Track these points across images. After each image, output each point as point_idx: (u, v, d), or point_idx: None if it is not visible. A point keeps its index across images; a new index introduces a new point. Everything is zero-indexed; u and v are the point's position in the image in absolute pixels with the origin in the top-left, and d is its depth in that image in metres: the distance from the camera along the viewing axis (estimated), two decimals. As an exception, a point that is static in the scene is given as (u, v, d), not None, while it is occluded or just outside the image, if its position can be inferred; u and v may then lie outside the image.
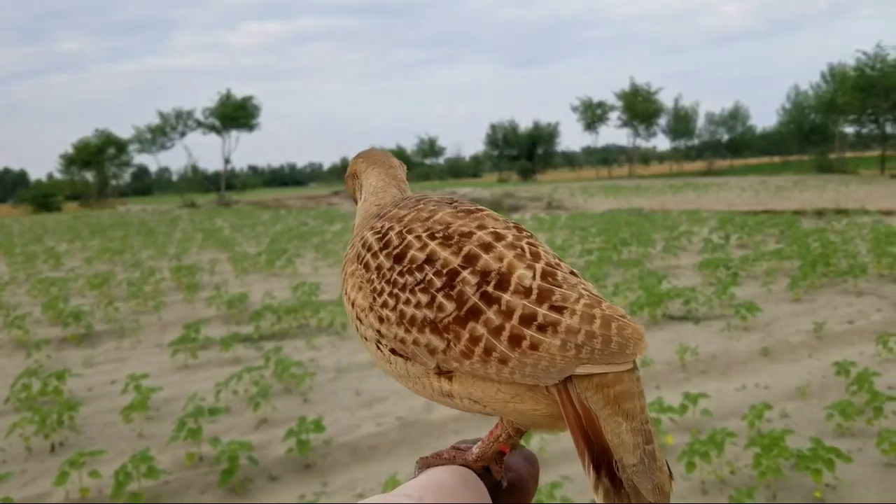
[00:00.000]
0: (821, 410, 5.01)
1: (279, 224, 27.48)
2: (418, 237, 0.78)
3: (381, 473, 4.47)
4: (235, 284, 11.91)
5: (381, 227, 0.82)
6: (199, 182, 79.41)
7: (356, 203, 1.03)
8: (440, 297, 0.73)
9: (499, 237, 0.77)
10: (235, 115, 71.00)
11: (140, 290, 11.32)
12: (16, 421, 5.13)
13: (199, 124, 73.27)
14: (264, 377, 6.15)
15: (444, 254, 0.75)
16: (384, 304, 0.76)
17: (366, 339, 0.80)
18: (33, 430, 5.15)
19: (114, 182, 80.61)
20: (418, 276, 0.75)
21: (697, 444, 3.99)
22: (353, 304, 0.81)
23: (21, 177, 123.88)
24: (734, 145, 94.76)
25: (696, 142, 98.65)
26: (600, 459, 0.68)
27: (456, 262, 0.74)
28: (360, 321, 0.80)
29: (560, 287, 0.73)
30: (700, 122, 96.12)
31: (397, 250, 0.78)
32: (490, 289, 0.72)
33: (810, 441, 4.07)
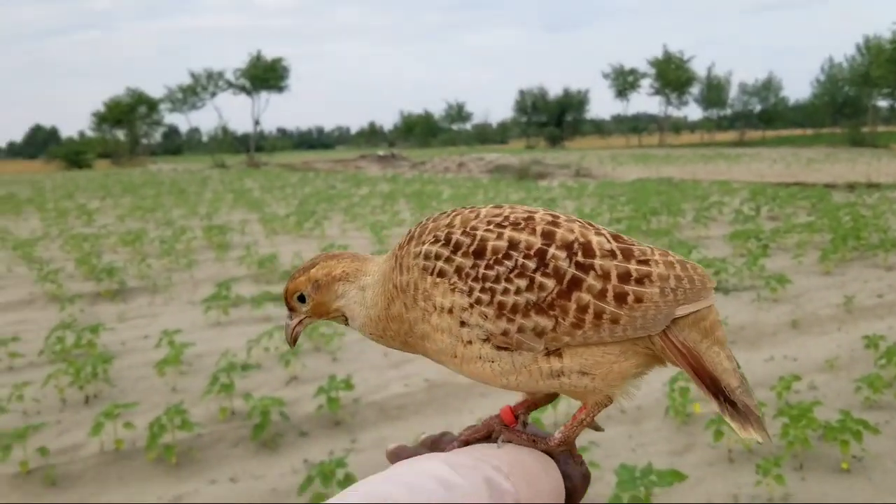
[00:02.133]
0: (849, 383, 4.99)
1: (307, 186, 27.59)
2: (488, 229, 0.78)
3: (409, 432, 4.54)
4: (265, 245, 12.01)
5: (437, 236, 0.79)
6: (228, 143, 79.87)
7: (321, 316, 0.90)
8: (539, 277, 0.74)
9: (555, 216, 0.80)
10: (265, 76, 71.12)
11: (172, 247, 11.46)
12: (51, 372, 5.25)
13: (230, 85, 73.49)
14: (294, 336, 6.22)
15: (523, 236, 0.76)
16: (478, 301, 0.75)
17: (470, 342, 0.78)
18: (68, 381, 5.26)
19: (144, 141, 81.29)
20: (508, 263, 0.75)
21: (725, 412, 3.99)
22: (449, 311, 0.77)
23: (52, 134, 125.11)
24: (767, 116, 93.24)
25: (728, 112, 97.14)
26: (713, 387, 0.77)
27: (538, 241, 0.76)
28: (464, 323, 0.77)
29: (634, 245, 0.78)
30: (733, 91, 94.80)
31: (473, 246, 0.77)
32: (580, 258, 0.75)
33: (839, 413, 4.06)
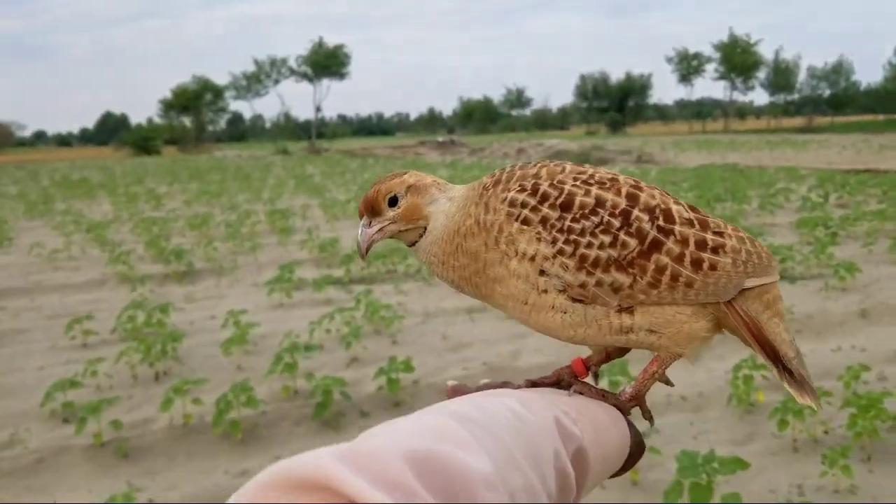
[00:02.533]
0: (922, 375, 4.85)
1: (367, 172, 27.82)
2: (576, 185, 0.80)
3: (468, 415, 4.57)
4: (326, 229, 12.18)
5: (521, 185, 0.82)
6: (290, 130, 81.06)
7: (411, 220, 0.89)
8: (622, 235, 0.77)
9: (637, 181, 0.83)
10: (327, 63, 71.84)
11: (237, 231, 11.71)
12: (123, 349, 5.43)
13: (292, 72, 74.41)
14: (355, 318, 6.32)
15: (609, 195, 0.79)
16: (561, 252, 0.78)
17: (545, 291, 0.79)
18: (139, 358, 5.44)
19: (210, 127, 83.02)
20: (594, 219, 0.78)
21: (791, 402, 3.92)
22: (531, 258, 0.79)
23: (122, 121, 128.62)
24: (836, 101, 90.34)
25: (796, 97, 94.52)
26: (772, 355, 0.82)
27: (623, 202, 0.79)
28: (544, 272, 0.79)
29: (709, 217, 0.82)
30: (801, 76, 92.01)
31: (561, 199, 0.79)
32: (662, 222, 0.79)
33: (910, 405, 3.95)
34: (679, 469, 3.09)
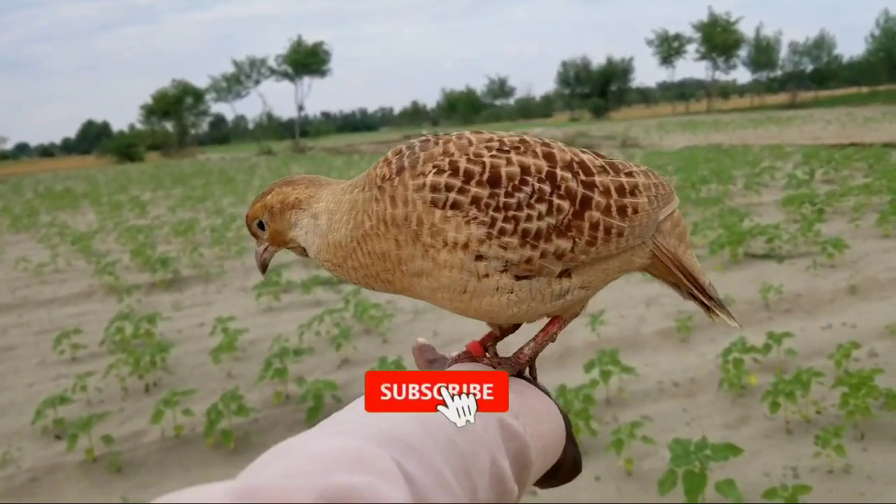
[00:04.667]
0: (912, 349, 4.86)
1: (353, 170, 27.74)
2: (495, 156, 0.75)
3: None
4: (313, 229, 12.12)
5: (440, 166, 0.75)
6: (274, 129, 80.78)
7: (280, 245, 0.89)
8: (556, 200, 0.75)
9: (538, 139, 0.80)
10: (307, 61, 71.58)
11: (223, 236, 11.65)
12: (111, 362, 5.39)
13: (273, 71, 74.18)
14: (345, 319, 6.30)
15: (530, 160, 0.75)
16: (502, 232, 0.73)
17: (486, 276, 0.75)
18: (128, 371, 5.40)
19: (193, 131, 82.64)
20: (527, 189, 0.74)
21: (782, 383, 3.92)
22: (464, 246, 0.73)
23: (104, 128, 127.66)
24: (819, 76, 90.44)
25: (778, 73, 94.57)
26: (695, 284, 0.85)
27: (545, 164, 0.76)
28: (481, 257, 0.74)
29: (614, 159, 0.82)
30: (783, 52, 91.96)
31: (486, 175, 0.74)
32: (582, 176, 0.77)
33: (901, 380, 3.96)
34: (672, 458, 3.09)
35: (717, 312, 0.86)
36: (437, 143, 0.77)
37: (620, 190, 0.77)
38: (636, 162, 1.01)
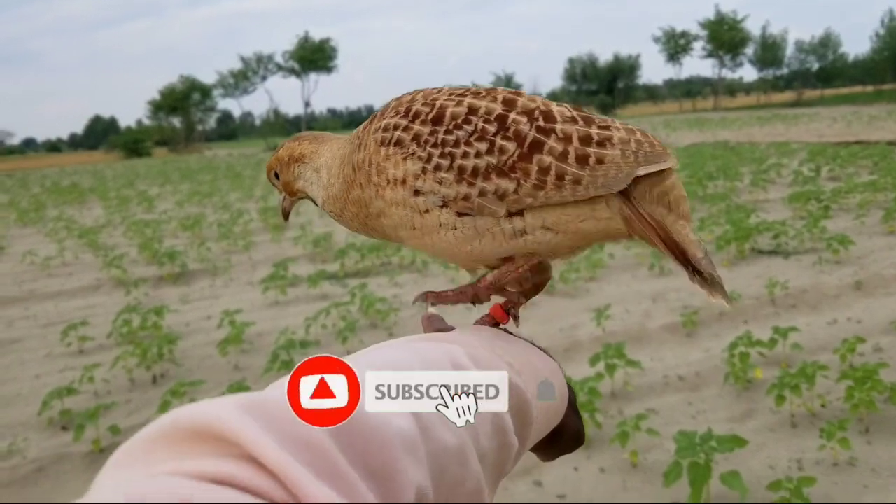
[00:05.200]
0: (918, 345, 4.86)
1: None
2: (448, 98, 0.77)
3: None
4: (320, 224, 12.14)
5: (398, 109, 0.79)
6: (280, 126, 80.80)
7: (292, 195, 0.96)
8: (499, 140, 0.74)
9: (518, 92, 0.79)
10: (314, 57, 71.59)
11: (230, 230, 11.69)
12: (119, 354, 5.42)
13: (279, 68, 74.18)
14: (351, 312, 6.31)
15: (483, 103, 0.76)
16: (438, 167, 0.75)
17: (427, 211, 0.77)
18: (135, 362, 5.42)
19: (200, 127, 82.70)
20: (468, 128, 0.75)
21: (787, 377, 3.92)
22: (402, 182, 0.77)
23: (111, 123, 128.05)
24: (825, 74, 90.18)
25: (784, 71, 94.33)
26: (681, 257, 0.80)
27: (498, 107, 0.76)
28: (419, 192, 0.76)
29: (595, 116, 0.79)
30: (789, 50, 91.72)
31: (432, 114, 0.76)
32: (541, 122, 0.75)
33: (907, 375, 3.96)
34: (678, 450, 3.10)
35: (704, 287, 0.80)
36: (411, 94, 0.81)
37: (585, 139, 0.75)
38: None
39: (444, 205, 0.76)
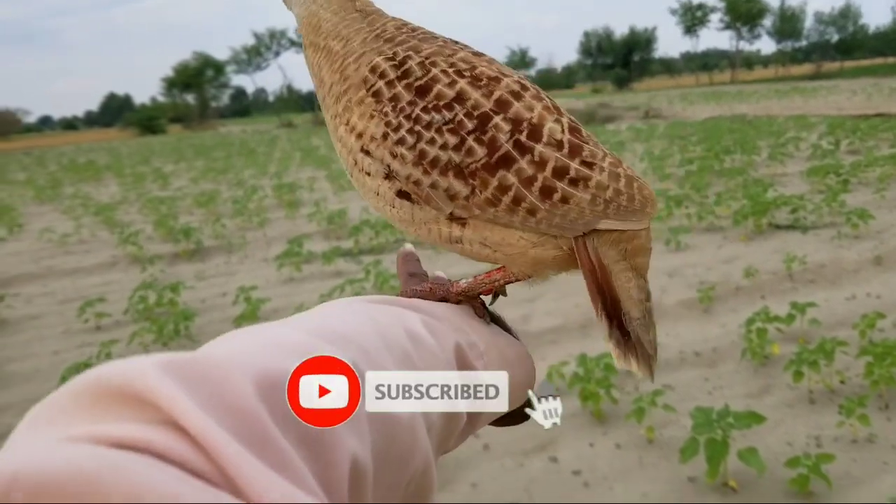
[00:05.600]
0: (939, 320, 4.80)
1: (373, 141, 27.67)
2: (445, 72, 0.72)
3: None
4: (334, 201, 12.14)
5: (395, 53, 0.74)
6: (294, 102, 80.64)
7: None
8: (471, 141, 0.69)
9: (524, 87, 0.73)
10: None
11: (244, 207, 11.70)
12: (135, 330, 5.46)
13: (293, 43, 73.96)
14: (365, 289, 6.31)
15: (475, 94, 0.71)
16: (401, 141, 0.70)
17: (368, 174, 0.74)
18: (152, 339, 5.46)
19: (214, 104, 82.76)
20: (447, 114, 0.70)
21: (806, 353, 3.89)
22: (358, 135, 0.73)
23: (126, 101, 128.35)
24: (845, 46, 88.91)
25: (803, 43, 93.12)
26: (611, 310, 0.73)
27: (488, 105, 0.70)
28: (369, 153, 0.73)
29: (587, 143, 0.72)
30: (808, 22, 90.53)
31: (420, 82, 0.71)
32: (523, 138, 0.70)
33: (927, 350, 3.91)
34: (694, 426, 3.08)
35: (618, 348, 0.73)
36: (431, 41, 0.76)
37: (560, 171, 0.70)
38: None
39: (388, 177, 0.72)
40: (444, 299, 0.77)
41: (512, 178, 0.69)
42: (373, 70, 0.73)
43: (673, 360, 4.57)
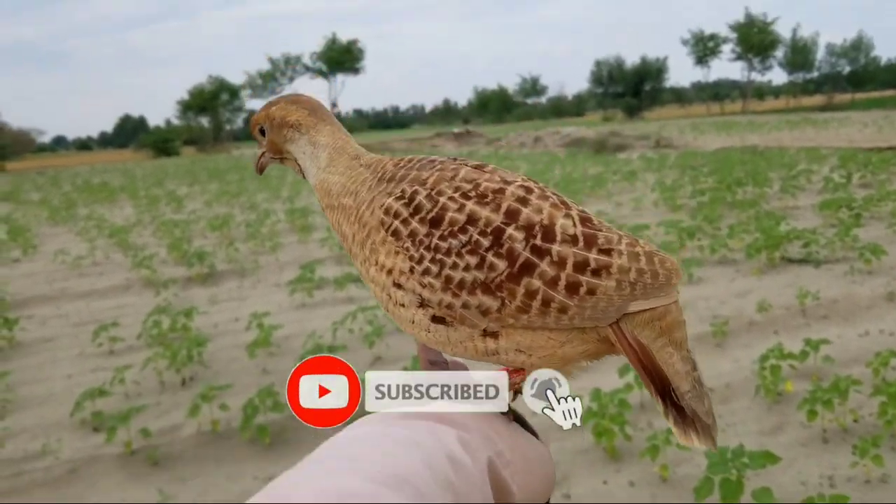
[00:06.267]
0: (953, 359, 4.77)
1: (385, 166, 27.79)
2: (452, 198, 0.75)
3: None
4: (346, 226, 12.16)
5: (402, 191, 0.78)
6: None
7: (274, 157, 0.97)
8: (490, 257, 0.72)
9: (529, 190, 0.76)
10: (341, 58, 71.97)
11: (257, 231, 11.77)
12: (149, 356, 5.48)
13: (307, 69, 74.49)
14: (377, 317, 6.33)
15: (484, 212, 0.74)
16: (426, 272, 0.74)
17: (402, 305, 0.77)
18: (165, 364, 5.48)
19: (227, 127, 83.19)
20: (462, 238, 0.73)
21: (819, 391, 3.88)
22: (388, 272, 0.77)
23: (141, 123, 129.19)
24: (856, 78, 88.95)
25: (815, 75, 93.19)
26: (661, 388, 0.76)
27: (498, 219, 0.73)
28: (400, 286, 0.76)
29: (601, 231, 0.75)
30: (820, 53, 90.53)
31: (432, 214, 0.75)
32: (538, 241, 0.72)
33: (942, 391, 3.90)
34: (709, 465, 3.08)
35: (676, 426, 0.76)
36: (430, 168, 0.80)
37: (581, 265, 0.72)
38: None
39: (421, 305, 0.75)
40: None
41: (536, 283, 0.72)
42: (386, 212, 0.78)
43: (686, 395, 4.55)
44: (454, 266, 0.73)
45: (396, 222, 0.76)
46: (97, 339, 6.19)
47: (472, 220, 0.74)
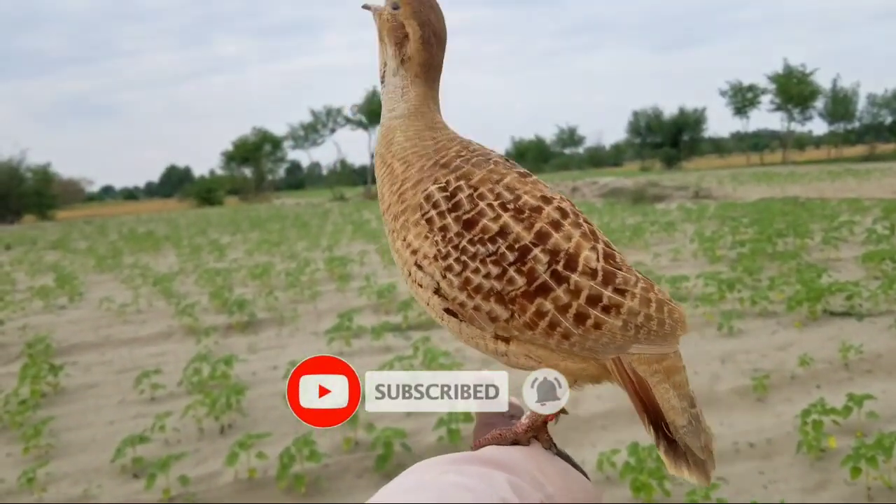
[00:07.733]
0: None
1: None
2: (490, 205, 0.79)
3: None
4: (384, 275, 12.28)
5: (447, 182, 0.82)
6: (347, 176, 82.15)
7: (380, 31, 0.95)
8: (511, 271, 0.76)
9: (564, 214, 0.80)
10: (380, 110, 72.79)
11: (297, 280, 11.90)
12: (189, 403, 5.55)
13: (348, 121, 75.62)
14: (414, 366, 6.34)
15: (517, 228, 0.77)
16: (448, 268, 0.78)
17: (420, 286, 0.81)
18: (205, 412, 5.54)
19: (269, 177, 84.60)
20: (490, 247, 0.77)
21: (863, 448, 3.80)
22: (413, 251, 0.81)
23: (186, 173, 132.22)
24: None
25: (856, 125, 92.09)
26: (656, 421, 0.78)
27: (528, 238, 0.77)
28: (421, 268, 0.80)
29: (620, 269, 0.79)
30: (861, 103, 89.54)
31: (468, 216, 0.79)
32: (560, 268, 0.76)
33: None
34: (748, 522, 3.02)
35: (667, 457, 0.78)
36: (482, 166, 0.84)
37: (594, 299, 0.76)
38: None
39: (437, 293, 0.80)
40: (515, 442, 0.82)
41: (548, 306, 0.76)
42: (427, 198, 0.82)
43: (727, 451, 4.48)
44: (476, 271, 0.77)
45: (433, 212, 0.80)
46: (139, 386, 6.30)
47: (503, 232, 0.77)
